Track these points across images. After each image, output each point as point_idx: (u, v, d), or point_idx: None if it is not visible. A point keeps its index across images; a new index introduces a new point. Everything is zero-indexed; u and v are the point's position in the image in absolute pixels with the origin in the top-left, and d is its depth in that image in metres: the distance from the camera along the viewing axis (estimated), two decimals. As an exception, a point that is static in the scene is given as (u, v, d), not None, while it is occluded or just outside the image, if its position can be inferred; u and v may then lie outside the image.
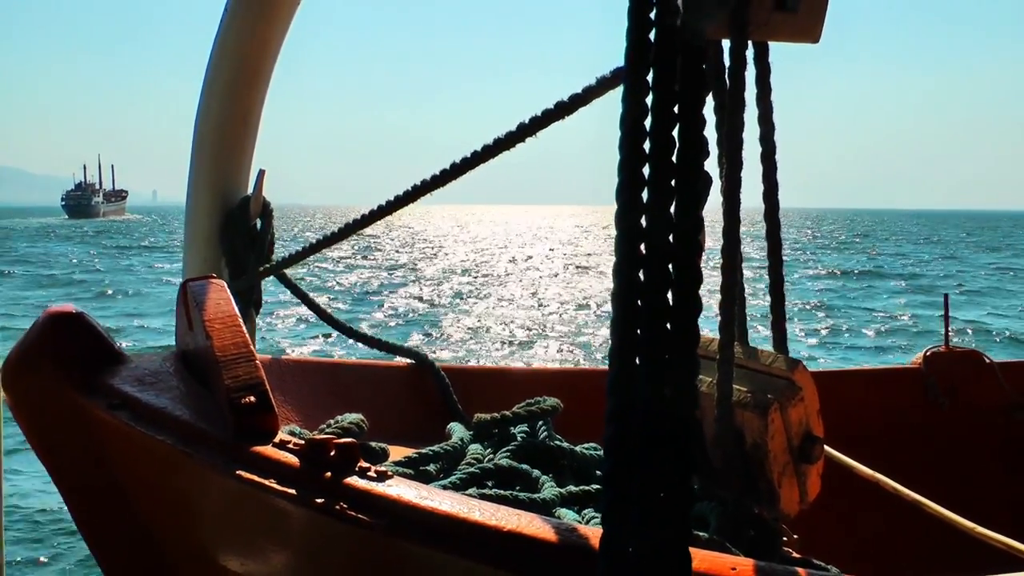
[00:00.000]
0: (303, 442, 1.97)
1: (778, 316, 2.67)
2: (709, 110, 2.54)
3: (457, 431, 3.44)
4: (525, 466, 3.03)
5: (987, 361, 5.09)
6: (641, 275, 1.39)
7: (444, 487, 2.81)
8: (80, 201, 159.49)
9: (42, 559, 8.96)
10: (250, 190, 4.19)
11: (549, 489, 2.86)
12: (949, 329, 5.24)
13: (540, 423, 3.40)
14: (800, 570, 1.75)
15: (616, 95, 1.50)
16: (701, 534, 2.45)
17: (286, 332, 24.23)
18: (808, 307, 32.63)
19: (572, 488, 2.88)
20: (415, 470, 3.02)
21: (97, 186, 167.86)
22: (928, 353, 5.06)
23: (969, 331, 25.31)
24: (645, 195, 1.42)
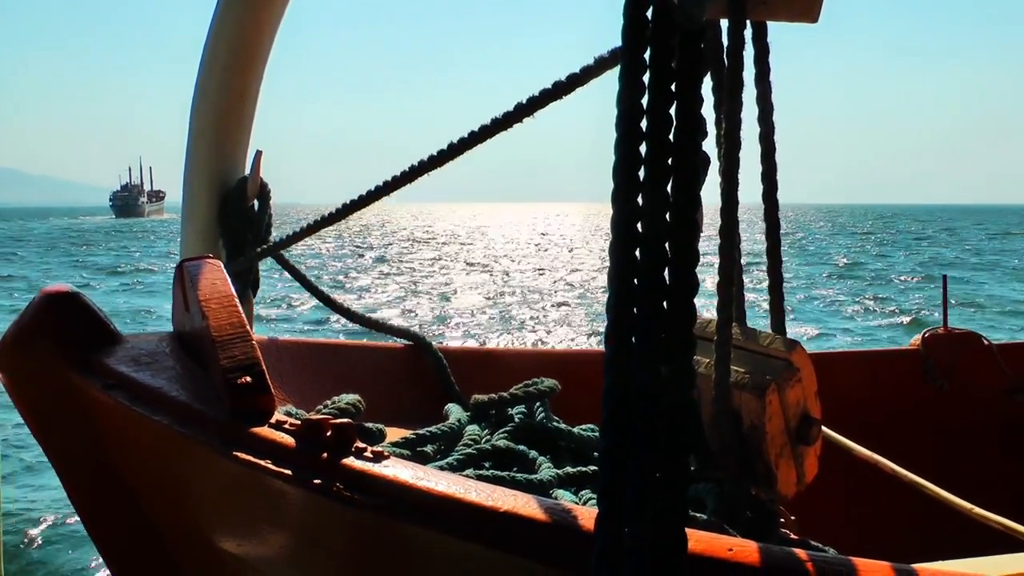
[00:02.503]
0: (299, 422, 1.97)
1: (776, 297, 2.67)
2: (707, 90, 2.53)
3: (454, 412, 3.44)
4: (522, 447, 3.04)
5: (986, 343, 5.09)
6: (638, 254, 1.39)
7: (441, 468, 2.81)
8: (127, 201, 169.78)
9: (38, 540, 8.97)
10: (247, 171, 4.17)
11: (546, 470, 2.86)
12: (947, 310, 5.24)
13: (537, 404, 3.40)
14: (797, 551, 1.74)
15: (613, 80, 1.49)
16: (699, 515, 2.45)
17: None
18: None
19: (569, 469, 2.88)
20: (412, 451, 3.02)
21: (141, 187, 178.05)
22: (927, 335, 5.06)
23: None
24: (642, 175, 1.41)
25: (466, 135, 3.07)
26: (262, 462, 1.92)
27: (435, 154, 3.21)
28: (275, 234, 4.29)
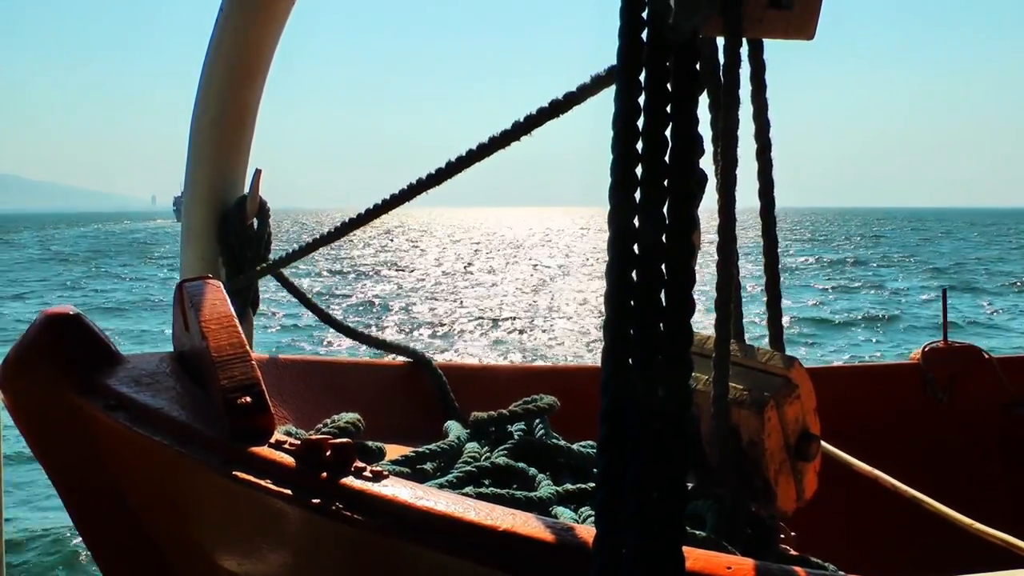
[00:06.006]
0: (299, 442, 1.97)
1: (774, 313, 2.67)
2: (704, 107, 2.54)
3: (454, 429, 3.44)
4: (522, 464, 3.03)
5: (986, 357, 5.09)
6: (634, 275, 1.39)
7: (441, 486, 2.81)
8: None
9: (40, 559, 8.95)
10: (247, 189, 4.19)
11: (546, 487, 2.86)
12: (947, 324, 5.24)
13: (537, 421, 3.40)
14: (797, 569, 1.75)
15: (611, 93, 1.50)
16: (698, 532, 2.45)
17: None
18: None
19: (569, 486, 2.88)
20: (412, 469, 3.02)
21: None
22: (927, 349, 5.06)
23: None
24: (638, 195, 1.42)
25: (464, 153, 3.09)
26: (262, 482, 1.92)
27: (433, 172, 3.23)
28: (275, 247, 4.31)
